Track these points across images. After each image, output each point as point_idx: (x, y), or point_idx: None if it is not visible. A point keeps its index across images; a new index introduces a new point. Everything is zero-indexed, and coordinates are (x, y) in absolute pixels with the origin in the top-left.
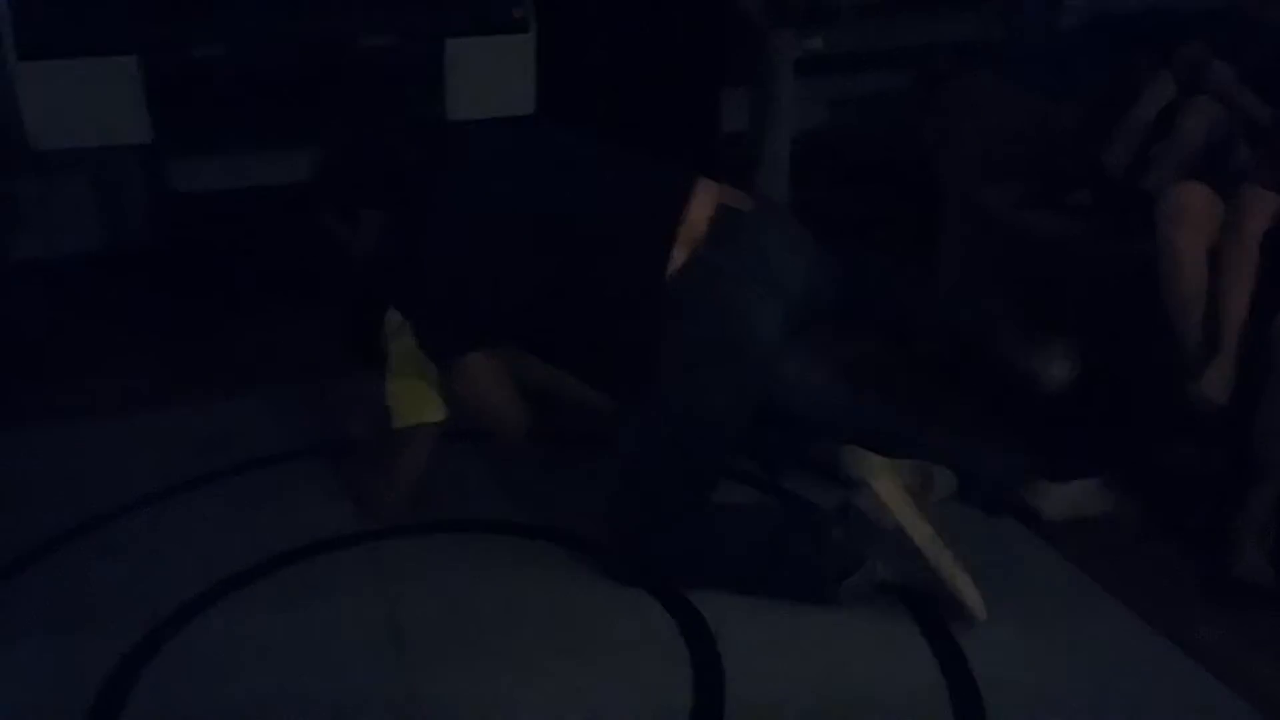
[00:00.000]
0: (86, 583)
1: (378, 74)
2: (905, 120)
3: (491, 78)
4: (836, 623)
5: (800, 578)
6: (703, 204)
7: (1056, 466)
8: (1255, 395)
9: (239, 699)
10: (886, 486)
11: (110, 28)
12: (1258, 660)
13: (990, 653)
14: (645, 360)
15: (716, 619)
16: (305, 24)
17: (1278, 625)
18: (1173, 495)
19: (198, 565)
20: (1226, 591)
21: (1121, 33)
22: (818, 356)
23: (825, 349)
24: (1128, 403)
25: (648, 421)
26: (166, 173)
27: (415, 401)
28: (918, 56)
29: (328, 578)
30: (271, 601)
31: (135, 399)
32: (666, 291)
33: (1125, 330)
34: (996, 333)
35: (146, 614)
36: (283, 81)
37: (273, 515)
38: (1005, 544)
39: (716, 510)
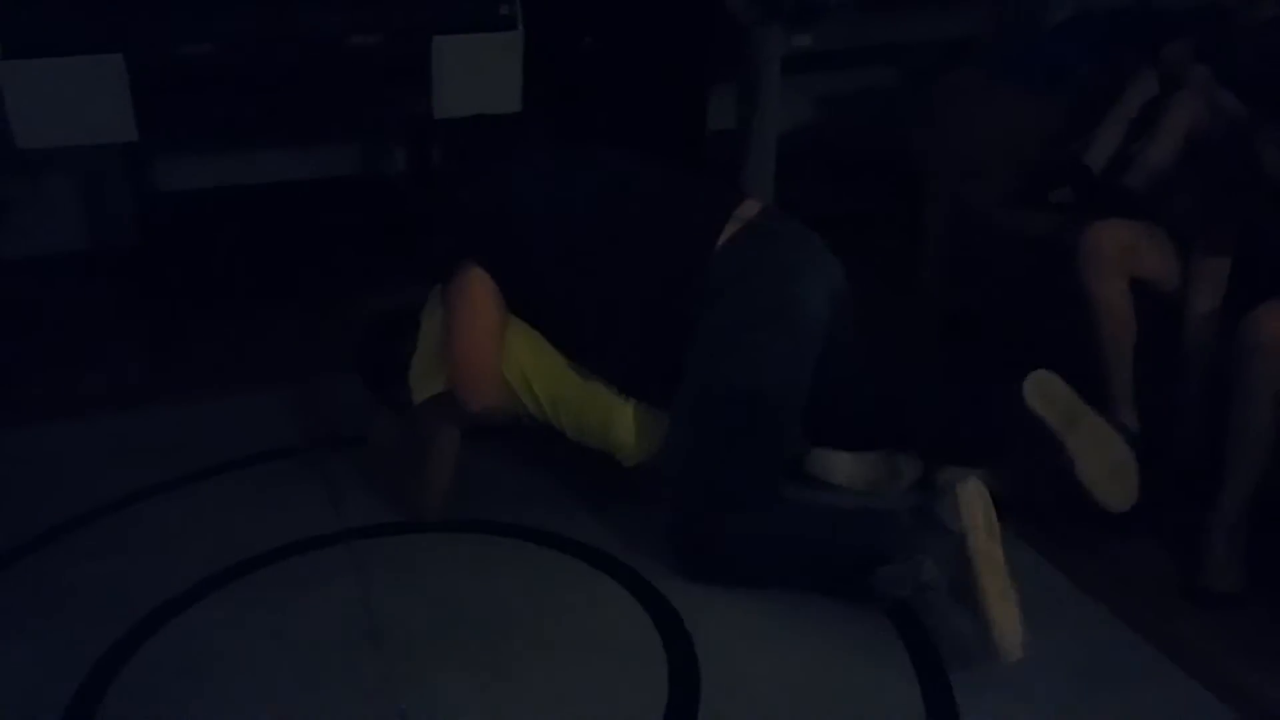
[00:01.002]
0: (67, 582)
1: (365, 72)
2: (892, 117)
3: (479, 75)
4: (813, 621)
5: (848, 570)
6: (749, 207)
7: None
8: (1226, 398)
9: (217, 697)
10: (970, 495)
11: (95, 25)
12: (1236, 660)
13: (966, 653)
14: (679, 351)
15: (692, 617)
16: (292, 22)
17: (1255, 625)
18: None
19: (178, 564)
20: (1199, 595)
21: (1108, 29)
22: None
23: None
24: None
25: (701, 401)
26: (152, 171)
27: (425, 374)
28: (906, 53)
29: (307, 578)
30: (251, 601)
31: (119, 398)
32: (714, 262)
33: None
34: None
35: (126, 613)
36: (269, 80)
37: (253, 515)
38: None
39: (785, 507)
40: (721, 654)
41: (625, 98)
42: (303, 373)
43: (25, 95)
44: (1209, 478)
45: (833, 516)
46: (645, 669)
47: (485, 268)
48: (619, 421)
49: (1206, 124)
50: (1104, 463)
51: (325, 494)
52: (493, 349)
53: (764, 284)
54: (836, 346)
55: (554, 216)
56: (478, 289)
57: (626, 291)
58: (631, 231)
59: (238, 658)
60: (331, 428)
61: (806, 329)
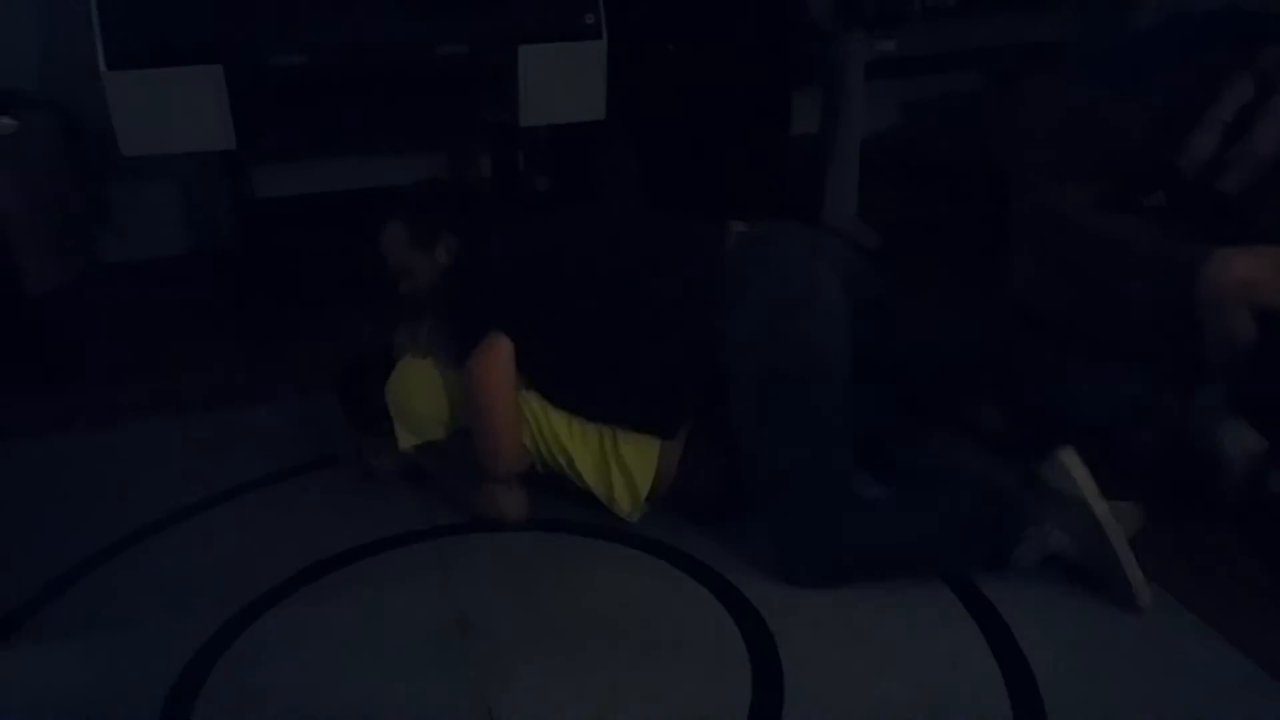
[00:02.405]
0: (167, 574)
1: (452, 81)
2: (977, 122)
3: (563, 83)
4: (897, 622)
5: (982, 546)
6: (737, 225)
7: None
8: None
9: (311, 685)
10: (1072, 459)
11: (195, 37)
12: None
13: (1051, 655)
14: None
15: (776, 619)
16: (381, 32)
17: None
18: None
19: (274, 558)
20: None
21: (1198, 32)
22: None
23: None
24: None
25: (761, 401)
26: (249, 178)
27: (418, 421)
28: (990, 57)
29: (397, 573)
30: (343, 595)
31: (219, 396)
32: (726, 274)
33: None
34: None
35: (225, 604)
36: (359, 89)
37: (345, 511)
38: None
39: (890, 503)
40: (805, 656)
41: (708, 104)
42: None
43: (129, 105)
44: None
45: (949, 509)
46: (729, 670)
47: (509, 334)
48: (616, 465)
49: None
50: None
51: (415, 491)
52: (518, 421)
53: (774, 279)
54: (885, 314)
55: (562, 261)
56: (505, 363)
57: (648, 315)
58: (641, 260)
59: (330, 649)
60: None
61: (827, 307)
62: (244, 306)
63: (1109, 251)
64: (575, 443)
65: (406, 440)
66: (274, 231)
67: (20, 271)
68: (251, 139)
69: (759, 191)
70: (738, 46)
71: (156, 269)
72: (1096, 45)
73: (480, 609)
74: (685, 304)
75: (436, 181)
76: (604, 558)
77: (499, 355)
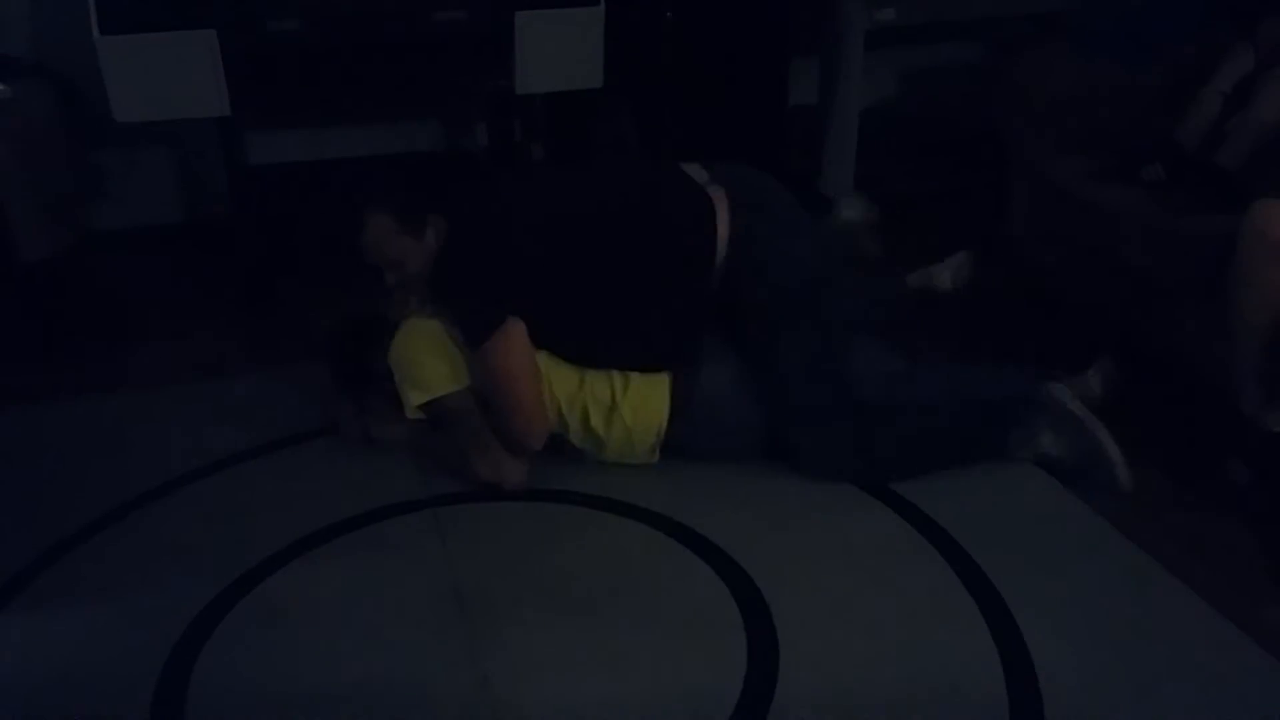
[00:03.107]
0: (162, 543)
1: (448, 48)
2: (976, 93)
3: (560, 50)
4: (893, 593)
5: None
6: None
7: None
8: None
9: (307, 653)
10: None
11: (189, 2)
12: None
13: (1046, 630)
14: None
15: (771, 588)
16: None
17: None
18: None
19: (270, 527)
20: None
21: (1200, 3)
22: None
23: None
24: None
25: (783, 315)
26: (244, 145)
27: (443, 369)
28: (990, 27)
29: (394, 542)
30: (339, 563)
31: (214, 364)
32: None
33: (1190, 314)
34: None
35: (221, 572)
36: (355, 56)
37: (342, 480)
38: (1064, 521)
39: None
40: (800, 625)
41: (706, 73)
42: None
43: (122, 70)
44: None
45: (961, 408)
46: (724, 639)
47: (518, 312)
48: (629, 409)
49: None
50: None
51: (412, 460)
52: (543, 394)
53: (766, 215)
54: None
55: (553, 221)
56: (522, 346)
57: (644, 256)
58: (629, 205)
59: (327, 617)
60: None
61: (815, 231)
62: (238, 274)
63: (1107, 223)
64: (588, 395)
65: (417, 398)
66: (268, 199)
67: (14, 239)
68: (246, 105)
69: (756, 160)
70: (736, 15)
71: (150, 236)
72: (1098, 16)
73: (476, 577)
74: (676, 241)
75: (405, 165)
76: (600, 526)
77: (514, 340)
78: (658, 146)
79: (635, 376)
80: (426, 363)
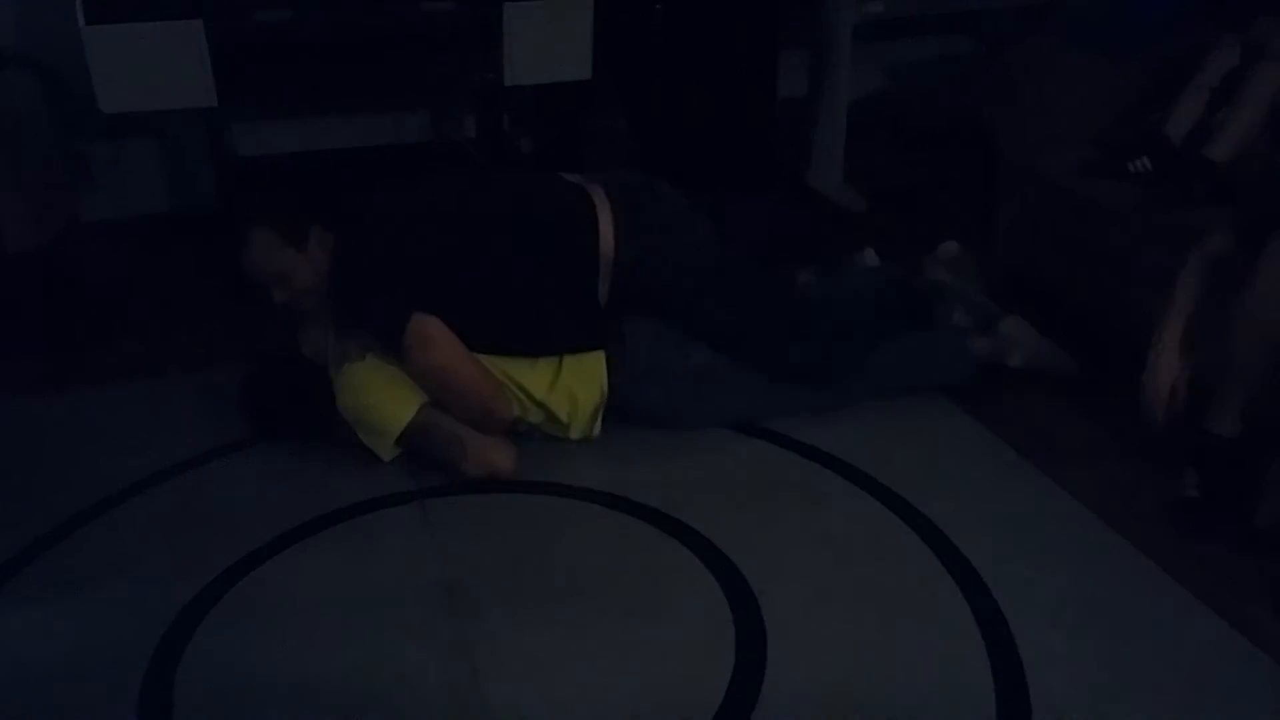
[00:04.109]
0: (149, 536)
1: (436, 38)
2: (965, 85)
3: (549, 42)
4: (880, 584)
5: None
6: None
7: None
8: None
9: (296, 645)
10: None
11: None
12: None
13: (1032, 620)
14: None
15: (759, 581)
16: None
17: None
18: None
19: (257, 519)
20: (1248, 540)
21: None
22: None
23: None
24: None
25: (701, 291)
26: (231, 136)
27: (392, 404)
28: (979, 20)
29: (381, 534)
30: (327, 555)
31: (202, 356)
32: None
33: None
34: None
35: (207, 565)
36: (343, 46)
37: (329, 472)
38: (1052, 513)
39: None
40: (788, 617)
41: (695, 64)
42: None
43: (108, 60)
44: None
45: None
46: (712, 631)
47: (426, 309)
48: (571, 385)
49: None
50: None
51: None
52: (484, 368)
53: (664, 207)
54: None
55: (441, 220)
56: (440, 333)
57: (538, 246)
58: (512, 198)
59: (315, 608)
60: None
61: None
62: (224, 266)
63: (1095, 217)
64: (526, 374)
65: (383, 443)
66: (255, 190)
67: (0, 230)
68: (233, 96)
69: (745, 153)
70: (726, 7)
71: (137, 227)
72: (1086, 10)
73: (465, 570)
74: (567, 228)
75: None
76: (589, 519)
77: (430, 330)
78: (647, 139)
79: (570, 360)
80: (372, 406)
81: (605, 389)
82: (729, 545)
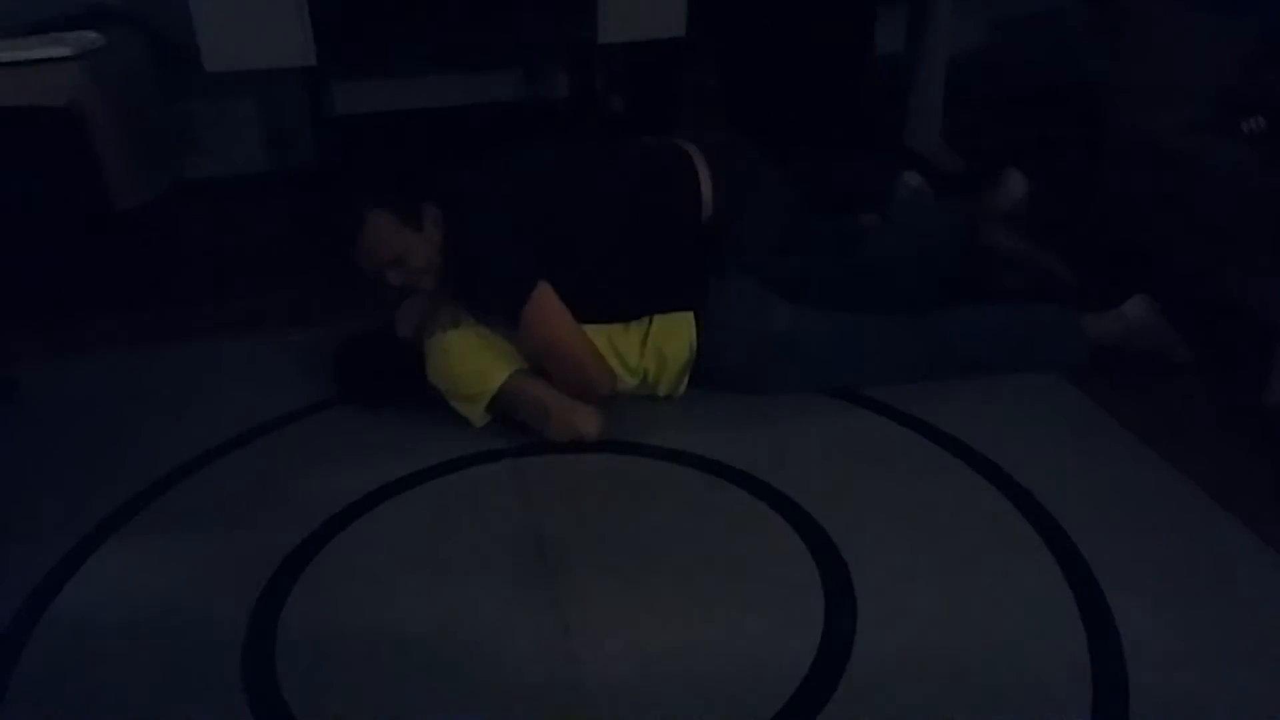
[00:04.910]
0: (246, 490)
1: None
2: (1069, 42)
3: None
4: (970, 551)
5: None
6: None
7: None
8: None
9: (390, 600)
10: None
11: None
12: None
13: (1131, 595)
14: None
15: (848, 546)
16: None
17: None
18: None
19: (353, 475)
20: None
21: None
22: None
23: None
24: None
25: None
26: (330, 95)
27: (482, 372)
28: None
29: (474, 491)
30: (420, 512)
31: (299, 314)
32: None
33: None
34: None
35: (307, 518)
36: (440, 5)
37: (421, 430)
38: (1152, 486)
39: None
40: (878, 583)
41: (790, 21)
42: None
43: (212, 20)
44: None
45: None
46: (801, 596)
47: (547, 279)
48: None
49: None
50: None
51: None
52: (591, 342)
53: (748, 169)
54: None
55: (546, 188)
56: (557, 305)
57: (641, 206)
58: (613, 163)
59: (408, 564)
60: None
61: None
62: (323, 224)
63: (1203, 178)
64: (621, 339)
65: (474, 409)
66: (353, 149)
67: (106, 187)
68: (332, 56)
69: (840, 111)
70: None
71: (237, 186)
72: None
73: (555, 528)
74: (675, 195)
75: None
76: (678, 481)
77: (548, 303)
78: (740, 97)
79: (660, 321)
80: (462, 375)
81: (695, 346)
82: (819, 510)
